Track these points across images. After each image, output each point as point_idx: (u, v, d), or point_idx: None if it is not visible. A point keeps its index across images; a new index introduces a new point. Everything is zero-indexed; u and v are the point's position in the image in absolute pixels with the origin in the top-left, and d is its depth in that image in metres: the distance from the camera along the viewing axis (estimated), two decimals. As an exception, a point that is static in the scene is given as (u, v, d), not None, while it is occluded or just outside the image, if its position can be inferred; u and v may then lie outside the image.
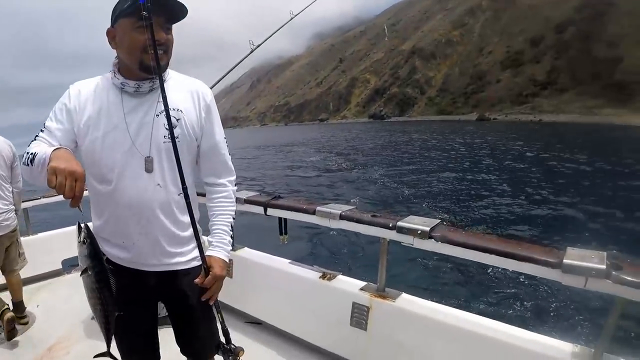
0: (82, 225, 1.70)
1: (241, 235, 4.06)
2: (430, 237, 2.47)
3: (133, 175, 1.82)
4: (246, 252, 3.99)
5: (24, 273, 5.07)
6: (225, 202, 2.09)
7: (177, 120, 1.87)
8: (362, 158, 34.70)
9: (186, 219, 1.95)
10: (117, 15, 1.74)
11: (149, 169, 1.83)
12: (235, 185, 2.17)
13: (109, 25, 1.77)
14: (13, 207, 4.51)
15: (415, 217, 2.70)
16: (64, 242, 5.72)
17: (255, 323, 3.96)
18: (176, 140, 1.80)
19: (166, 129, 1.81)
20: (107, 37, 1.82)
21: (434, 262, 8.25)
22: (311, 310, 3.44)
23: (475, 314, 2.63)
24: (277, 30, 4.74)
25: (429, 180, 21.46)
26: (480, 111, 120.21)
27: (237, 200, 3.64)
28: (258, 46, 4.55)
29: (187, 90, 1.96)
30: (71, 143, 1.79)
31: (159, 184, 1.86)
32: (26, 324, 4.52)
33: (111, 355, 1.96)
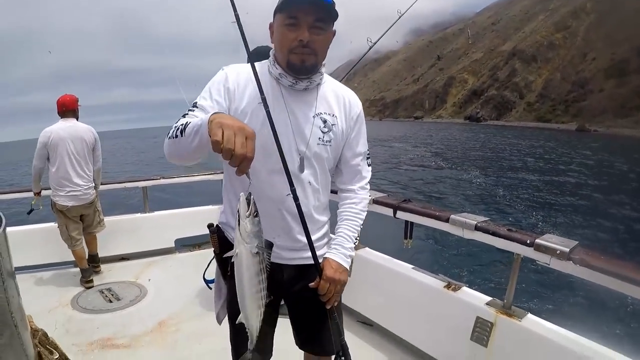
0: (250, 194, 1.48)
1: (362, 235, 3.97)
2: (569, 259, 2.34)
3: (285, 169, 1.80)
4: (366, 252, 3.94)
5: (138, 247, 5.96)
6: (355, 208, 2.09)
7: (332, 125, 1.92)
8: (460, 158, 34.33)
9: (324, 218, 2.06)
10: (275, 10, 1.78)
11: (300, 169, 1.88)
12: (368, 193, 2.17)
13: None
14: (92, 184, 5.43)
15: (553, 235, 2.58)
16: (178, 222, 6.19)
17: (367, 324, 3.92)
18: (329, 144, 1.91)
19: (322, 131, 1.88)
20: (269, 31, 1.88)
21: (564, 284, 7.62)
22: (430, 319, 3.37)
23: (607, 346, 2.44)
24: (390, 28, 4.67)
25: (523, 187, 21.03)
26: (580, 121, 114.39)
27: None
28: (375, 43, 4.53)
29: (340, 98, 1.99)
30: None
31: (309, 182, 1.91)
32: (99, 271, 5.56)
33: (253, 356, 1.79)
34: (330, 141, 1.91)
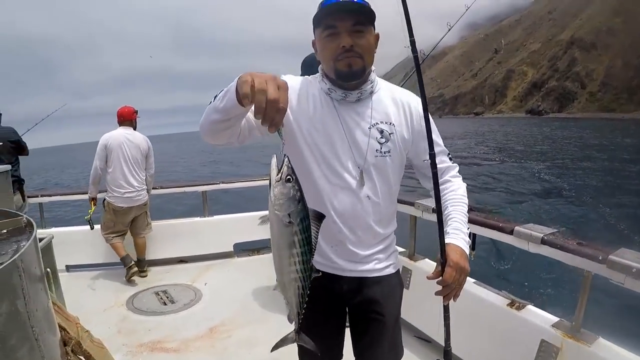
0: (285, 157, 1.31)
1: (421, 246, 3.82)
2: None
3: (342, 185, 1.77)
4: (427, 264, 3.71)
5: (197, 251, 6.09)
6: (457, 193, 1.94)
7: (390, 134, 1.80)
8: (523, 153, 33.52)
9: (387, 230, 1.93)
10: (313, 26, 1.74)
11: (358, 183, 1.77)
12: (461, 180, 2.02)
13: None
14: (145, 187, 5.73)
15: (628, 250, 2.25)
16: (237, 226, 6.14)
17: (424, 339, 3.70)
18: (388, 155, 1.79)
19: (379, 142, 1.77)
20: (313, 48, 1.83)
21: None
22: (491, 339, 3.06)
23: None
24: (455, 24, 4.51)
25: (588, 180, 20.25)
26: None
27: (422, 207, 3.47)
28: (429, 54, 4.41)
29: (399, 103, 1.87)
30: (249, 126, 1.68)
31: (368, 196, 1.79)
32: (145, 276, 5.61)
33: (299, 337, 1.60)
34: (389, 151, 1.80)
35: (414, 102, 1.87)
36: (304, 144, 1.73)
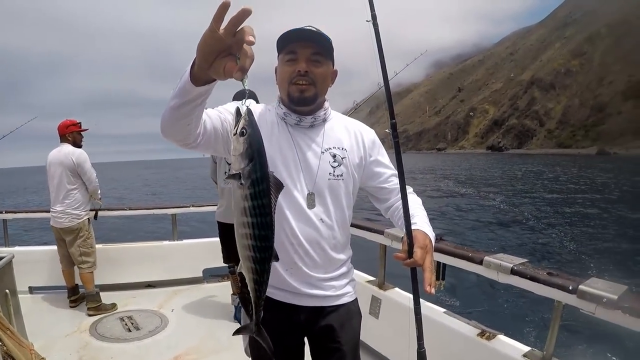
0: (245, 105, 1.16)
1: (391, 275, 3.72)
2: (618, 308, 1.96)
3: (296, 207, 1.78)
4: (396, 293, 3.59)
5: (165, 275, 5.72)
6: (414, 201, 1.92)
7: (343, 159, 1.84)
8: (485, 186, 34.34)
9: (341, 256, 1.93)
10: (277, 51, 1.79)
11: (310, 205, 1.79)
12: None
13: None
14: (73, 212, 5.02)
15: (599, 280, 2.19)
16: (207, 251, 5.78)
17: None
18: (341, 178, 1.82)
19: (332, 166, 1.81)
20: (275, 75, 1.84)
21: (613, 335, 5.65)
22: None
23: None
24: (411, 63, 4.50)
25: (547, 209, 20.91)
26: (600, 145, 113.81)
27: (391, 236, 3.40)
28: (394, 76, 4.39)
29: (351, 131, 1.93)
30: (215, 132, 1.56)
31: (321, 219, 1.81)
32: (92, 314, 4.89)
33: (259, 332, 1.48)
34: (341, 175, 1.83)
35: (365, 130, 1.96)
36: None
